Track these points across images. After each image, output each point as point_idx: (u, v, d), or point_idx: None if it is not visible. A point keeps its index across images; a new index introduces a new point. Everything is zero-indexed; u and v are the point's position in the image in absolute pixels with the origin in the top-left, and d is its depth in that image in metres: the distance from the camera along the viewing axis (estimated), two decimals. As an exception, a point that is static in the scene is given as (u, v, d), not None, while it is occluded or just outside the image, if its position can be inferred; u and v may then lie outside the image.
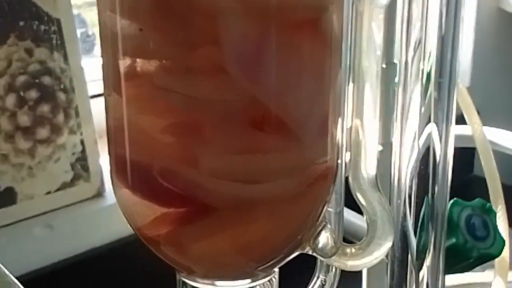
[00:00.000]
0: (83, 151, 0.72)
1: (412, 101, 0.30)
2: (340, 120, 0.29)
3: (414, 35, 0.29)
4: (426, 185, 0.30)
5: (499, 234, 0.52)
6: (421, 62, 0.29)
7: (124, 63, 0.27)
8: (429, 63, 0.29)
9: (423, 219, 0.30)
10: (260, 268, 0.29)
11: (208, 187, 0.27)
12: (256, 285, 0.30)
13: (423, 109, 0.29)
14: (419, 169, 0.30)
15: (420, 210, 0.30)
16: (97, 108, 0.74)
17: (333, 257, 0.30)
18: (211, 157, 0.26)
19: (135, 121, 0.27)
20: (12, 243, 0.64)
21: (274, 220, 0.28)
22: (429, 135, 0.30)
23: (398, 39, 0.30)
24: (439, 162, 0.30)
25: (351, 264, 0.30)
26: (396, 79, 0.31)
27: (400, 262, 0.31)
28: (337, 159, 0.30)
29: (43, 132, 0.70)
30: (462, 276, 0.71)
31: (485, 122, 0.69)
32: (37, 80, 0.70)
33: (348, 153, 0.30)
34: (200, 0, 0.25)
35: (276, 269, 0.31)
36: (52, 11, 0.70)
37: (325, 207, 0.29)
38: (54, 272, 0.66)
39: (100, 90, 0.82)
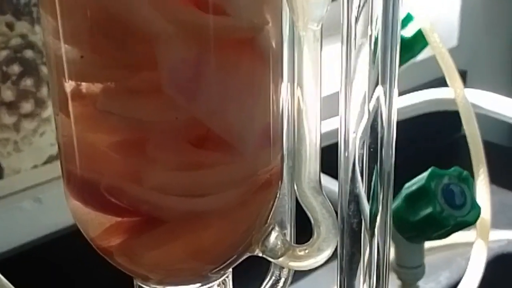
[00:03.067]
0: (68, 123, 0.73)
1: (358, 65, 0.29)
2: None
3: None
4: (375, 149, 0.30)
5: (475, 202, 0.53)
6: (368, 27, 0.29)
7: (69, 85, 0.27)
8: (377, 27, 0.29)
9: (374, 183, 0.31)
10: (212, 271, 0.31)
11: (153, 202, 0.28)
12: (211, 287, 0.31)
13: (372, 73, 0.29)
14: (370, 133, 0.30)
15: (372, 176, 0.31)
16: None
17: (281, 258, 0.31)
18: (155, 174, 0.27)
19: (82, 138, 0.28)
20: (1, 217, 0.65)
21: (222, 227, 0.29)
22: (378, 98, 0.29)
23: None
24: (384, 126, 0.30)
25: (298, 265, 0.31)
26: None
27: (351, 227, 0.31)
28: (282, 163, 0.30)
29: (27, 106, 0.71)
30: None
31: (472, 81, 0.70)
32: (19, 54, 0.71)
33: (291, 160, 0.31)
34: (136, 24, 0.26)
35: (229, 270, 0.32)
36: (30, -16, 0.70)
37: (272, 210, 0.31)
38: (44, 245, 0.67)
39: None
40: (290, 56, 0.30)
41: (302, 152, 0.30)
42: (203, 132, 0.27)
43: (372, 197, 0.31)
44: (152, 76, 0.26)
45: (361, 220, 0.31)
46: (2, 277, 0.41)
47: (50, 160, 0.72)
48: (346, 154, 0.30)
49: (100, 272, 0.69)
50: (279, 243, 0.31)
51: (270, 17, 0.28)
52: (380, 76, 0.29)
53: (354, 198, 0.31)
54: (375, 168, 0.30)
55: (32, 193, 0.69)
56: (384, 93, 0.29)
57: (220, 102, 0.27)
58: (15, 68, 0.70)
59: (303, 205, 0.30)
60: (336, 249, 0.31)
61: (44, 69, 0.71)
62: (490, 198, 0.64)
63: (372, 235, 0.31)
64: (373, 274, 0.31)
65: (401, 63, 0.42)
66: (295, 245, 0.31)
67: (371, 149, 0.30)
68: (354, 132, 0.30)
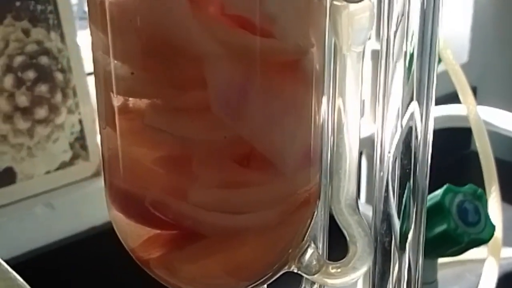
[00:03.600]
0: (82, 130, 0.73)
1: (394, 81, 0.30)
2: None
3: (396, 11, 0.29)
4: (409, 165, 0.31)
5: (489, 219, 0.54)
6: (404, 42, 0.29)
7: (117, 100, 0.28)
8: (412, 42, 0.29)
9: (405, 201, 0.31)
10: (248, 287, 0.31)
11: (196, 217, 0.28)
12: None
13: (406, 88, 0.30)
14: (402, 149, 0.31)
15: (404, 193, 0.31)
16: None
17: (315, 275, 0.31)
18: (199, 190, 0.28)
19: (127, 152, 0.29)
20: (13, 222, 0.66)
21: (260, 245, 0.30)
22: (412, 114, 0.30)
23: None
24: (420, 142, 0.30)
25: (332, 282, 0.31)
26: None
27: (383, 245, 0.32)
28: (320, 183, 0.31)
29: (41, 112, 0.71)
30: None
31: (482, 98, 0.70)
32: (34, 61, 0.71)
33: (331, 180, 0.32)
34: (186, 45, 0.26)
35: (264, 286, 0.32)
36: (48, -9, 0.70)
37: (310, 228, 0.31)
38: (55, 251, 0.68)
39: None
40: (330, 71, 0.31)
41: (341, 169, 0.31)
42: (247, 151, 0.28)
43: (403, 215, 0.31)
44: (200, 95, 0.27)
45: (392, 238, 0.31)
46: (19, 277, 0.41)
47: (62, 166, 0.72)
48: (381, 174, 0.31)
49: (111, 278, 0.70)
50: (314, 260, 0.31)
51: (314, 40, 0.28)
52: (415, 93, 0.30)
53: (387, 217, 0.31)
54: (407, 186, 0.31)
55: (45, 199, 0.69)
56: (420, 109, 0.30)
57: (264, 122, 0.27)
58: (30, 74, 0.71)
59: (339, 223, 0.31)
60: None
61: (59, 76, 0.72)
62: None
63: (402, 253, 0.32)
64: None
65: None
66: (330, 262, 0.32)
67: (404, 167, 0.31)
68: (389, 152, 0.31)
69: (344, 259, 0.31)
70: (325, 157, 0.32)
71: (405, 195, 0.31)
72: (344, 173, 0.31)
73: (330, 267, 0.32)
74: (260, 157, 0.28)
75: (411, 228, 0.32)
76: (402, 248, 0.32)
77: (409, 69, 0.30)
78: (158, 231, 0.30)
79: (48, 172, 0.71)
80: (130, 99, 0.28)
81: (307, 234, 0.31)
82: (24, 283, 0.40)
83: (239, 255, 0.30)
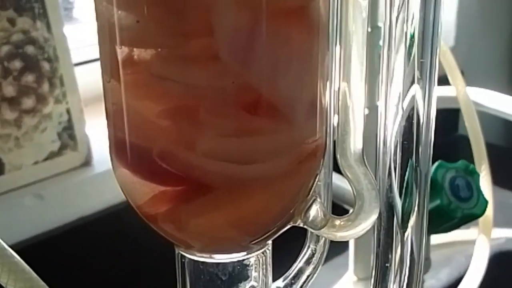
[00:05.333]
0: (69, 120, 0.73)
1: (397, 63, 0.30)
2: (328, 84, 0.31)
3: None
4: (410, 147, 0.31)
5: (482, 194, 0.54)
6: (405, 24, 0.30)
7: (121, 52, 0.28)
8: (413, 25, 0.29)
9: (407, 181, 0.31)
10: (254, 242, 0.31)
11: (204, 168, 0.28)
12: (251, 257, 0.32)
13: (407, 71, 0.30)
14: (404, 131, 0.31)
15: (405, 173, 0.31)
16: (82, 76, 0.75)
17: (322, 229, 0.31)
18: (207, 140, 0.28)
19: (133, 106, 0.28)
20: (2, 213, 0.65)
21: (267, 197, 0.30)
22: (413, 97, 0.30)
23: (382, 2, 0.31)
24: (422, 124, 0.31)
25: (340, 235, 0.31)
26: (381, 42, 0.31)
27: (387, 230, 0.32)
28: (326, 135, 0.31)
29: (28, 102, 0.71)
30: (447, 234, 0.74)
31: (469, 82, 0.71)
32: (20, 50, 0.71)
33: (336, 116, 0.31)
34: (193, -8, 0.26)
35: (270, 241, 0.32)
36: (33, -20, 0.70)
37: (315, 181, 0.31)
38: (45, 241, 0.67)
39: (84, 58, 0.81)
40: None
41: (348, 122, 0.31)
42: (255, 98, 0.27)
43: (405, 195, 0.31)
44: (207, 42, 0.27)
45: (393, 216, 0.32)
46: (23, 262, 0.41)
47: (51, 156, 0.72)
48: (384, 155, 0.31)
49: (101, 268, 0.69)
50: (320, 214, 0.31)
51: (319, -12, 0.28)
52: (416, 74, 0.30)
53: (389, 197, 0.31)
54: (409, 166, 0.31)
55: (33, 189, 0.69)
56: (422, 91, 0.30)
57: (272, 68, 0.27)
58: (17, 64, 0.70)
59: (345, 176, 0.31)
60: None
61: (45, 65, 0.71)
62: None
63: (404, 233, 0.32)
64: (405, 271, 0.32)
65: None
66: (335, 216, 0.32)
67: (406, 149, 0.31)
68: (391, 132, 0.31)
69: (350, 213, 0.31)
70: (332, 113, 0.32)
71: (407, 176, 0.31)
72: (351, 125, 0.31)
73: (336, 221, 0.32)
74: (267, 104, 0.28)
75: (413, 208, 0.32)
76: (404, 228, 0.32)
77: (409, 51, 0.30)
78: (165, 188, 0.29)
79: (36, 163, 0.71)
80: (135, 50, 0.28)
81: (313, 188, 0.31)
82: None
83: (246, 208, 0.29)
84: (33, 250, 0.66)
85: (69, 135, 0.73)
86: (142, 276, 0.71)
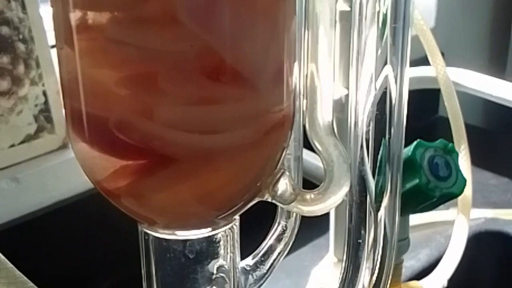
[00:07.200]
0: (46, 102, 0.71)
1: (367, 44, 0.29)
2: (296, 66, 0.29)
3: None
4: (383, 127, 0.30)
5: (461, 173, 0.53)
6: (377, 4, 0.29)
7: (75, 16, 0.26)
8: (385, 5, 0.28)
9: (380, 161, 0.30)
10: (220, 217, 0.30)
11: (165, 138, 0.27)
12: (217, 233, 0.30)
13: (379, 52, 0.29)
14: (376, 112, 0.30)
15: (378, 153, 0.30)
16: (59, 58, 0.73)
17: (291, 204, 0.30)
18: (167, 108, 0.26)
19: (89, 74, 0.27)
20: (-22, 197, 0.64)
21: (232, 169, 0.28)
22: (386, 77, 0.29)
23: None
24: (394, 104, 0.30)
25: (309, 209, 0.30)
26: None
27: (359, 205, 0.31)
28: (294, 106, 0.30)
29: (3, 84, 0.69)
30: (426, 215, 0.73)
31: (449, 63, 0.70)
32: (-6, 31, 0.69)
33: (305, 100, 0.30)
34: (149, -51, 0.25)
35: (237, 217, 0.31)
36: (7, -41, 0.68)
37: (283, 154, 0.30)
38: (22, 225, 0.66)
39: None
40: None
41: (317, 92, 0.29)
42: (216, 63, 0.26)
43: (378, 176, 0.30)
44: (165, 3, 0.25)
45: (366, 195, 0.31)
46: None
47: (27, 139, 0.70)
48: (356, 136, 0.30)
49: (79, 252, 0.68)
50: (289, 188, 0.30)
51: None
52: (388, 55, 0.29)
53: (362, 178, 0.30)
54: (382, 147, 0.30)
55: (10, 173, 0.67)
56: (394, 71, 0.29)
57: (234, 31, 0.26)
58: (-9, 45, 0.69)
59: (316, 149, 0.30)
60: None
61: (20, 46, 0.70)
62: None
63: (377, 212, 0.31)
64: (379, 251, 0.31)
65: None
66: (305, 190, 0.30)
67: (379, 129, 0.30)
68: (362, 112, 0.30)
69: (320, 186, 0.30)
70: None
71: (380, 156, 0.30)
72: (319, 95, 0.29)
73: (306, 195, 0.30)
74: (230, 70, 0.26)
75: (386, 188, 0.31)
76: (377, 209, 0.31)
77: (382, 31, 0.29)
78: (125, 162, 0.28)
79: (12, 146, 0.69)
80: (90, 13, 0.26)
81: (281, 160, 0.30)
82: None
83: (211, 180, 0.28)
84: (10, 234, 0.65)
85: (45, 118, 0.71)
86: (121, 259, 0.70)
